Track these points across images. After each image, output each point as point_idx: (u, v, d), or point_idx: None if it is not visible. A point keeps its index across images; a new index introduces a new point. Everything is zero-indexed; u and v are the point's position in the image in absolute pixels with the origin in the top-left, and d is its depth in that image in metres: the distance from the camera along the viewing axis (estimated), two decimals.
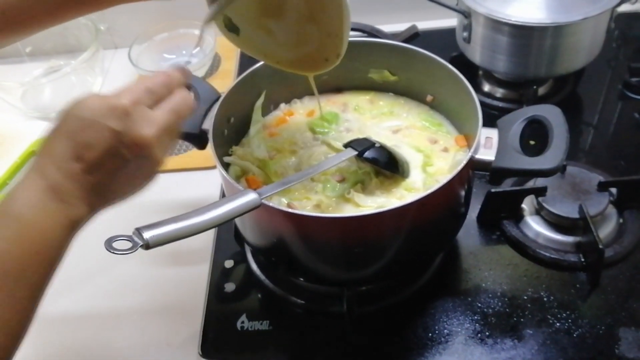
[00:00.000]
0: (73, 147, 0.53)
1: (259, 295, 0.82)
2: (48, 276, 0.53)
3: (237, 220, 0.79)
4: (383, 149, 0.74)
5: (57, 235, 0.53)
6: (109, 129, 0.52)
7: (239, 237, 0.87)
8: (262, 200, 0.61)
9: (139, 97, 0.56)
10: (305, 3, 0.71)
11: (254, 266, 0.85)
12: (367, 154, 0.72)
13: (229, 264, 0.85)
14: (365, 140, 0.74)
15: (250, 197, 0.60)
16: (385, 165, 0.73)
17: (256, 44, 0.76)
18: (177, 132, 0.60)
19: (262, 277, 0.83)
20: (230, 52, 1.27)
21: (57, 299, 0.84)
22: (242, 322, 0.78)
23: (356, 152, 0.72)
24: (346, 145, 0.74)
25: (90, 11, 0.74)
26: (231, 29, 0.74)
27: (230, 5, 0.68)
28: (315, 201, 0.73)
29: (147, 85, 0.57)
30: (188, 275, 0.86)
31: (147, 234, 0.53)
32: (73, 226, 0.54)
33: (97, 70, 1.21)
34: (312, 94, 0.89)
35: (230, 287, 0.82)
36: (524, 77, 1.04)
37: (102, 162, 0.53)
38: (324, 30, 0.71)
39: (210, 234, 0.89)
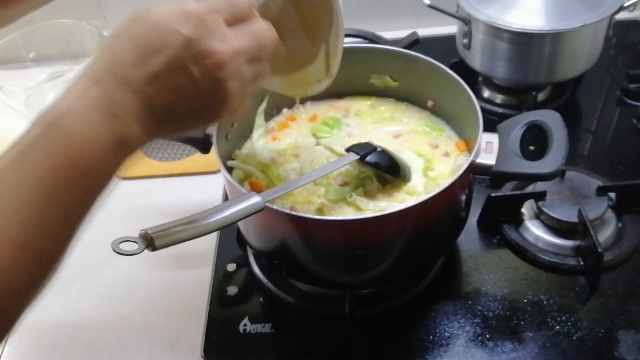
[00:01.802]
0: (135, 52, 0.46)
1: (261, 299, 0.83)
2: (86, 201, 0.46)
3: (240, 224, 0.80)
4: (385, 153, 0.75)
5: (101, 153, 0.45)
6: (180, 35, 0.45)
7: (241, 241, 0.88)
8: (266, 203, 0.62)
9: (218, 8, 0.48)
10: (298, 28, 0.70)
11: (256, 269, 0.85)
12: (369, 158, 0.73)
13: (231, 267, 0.86)
14: (367, 144, 0.75)
15: (254, 200, 0.61)
16: (387, 169, 0.74)
17: None
18: (259, 65, 0.52)
19: (264, 280, 0.84)
20: None
21: (60, 300, 0.85)
22: (245, 325, 0.79)
23: (358, 157, 0.73)
24: (348, 150, 0.75)
25: None
26: None
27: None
28: (318, 204, 0.74)
29: (231, 0, 0.50)
30: (191, 278, 0.86)
31: (154, 236, 0.54)
32: (121, 147, 0.47)
33: None
34: (314, 99, 0.90)
35: (232, 290, 0.83)
36: (524, 83, 1.05)
37: (166, 74, 0.46)
38: (320, 52, 0.70)
39: (213, 238, 0.90)
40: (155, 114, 0.47)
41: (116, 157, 0.47)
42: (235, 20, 0.50)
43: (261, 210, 0.61)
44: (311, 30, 0.71)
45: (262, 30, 0.51)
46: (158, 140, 0.51)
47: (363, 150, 0.73)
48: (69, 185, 0.44)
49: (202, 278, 0.85)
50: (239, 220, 0.60)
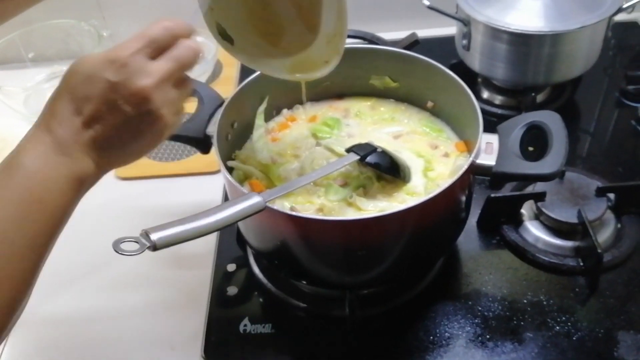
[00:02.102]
0: (73, 102, 0.53)
1: (261, 299, 0.83)
2: (51, 230, 0.52)
3: (240, 224, 0.80)
4: (385, 153, 0.75)
5: (61, 187, 0.52)
6: (106, 81, 0.52)
7: (241, 241, 0.88)
8: (266, 204, 0.62)
9: (138, 48, 0.54)
10: (298, 12, 0.70)
11: (256, 270, 0.85)
12: (369, 159, 0.73)
13: (231, 267, 0.86)
14: (367, 145, 0.75)
15: (255, 200, 0.61)
16: (387, 169, 0.74)
17: (252, 54, 0.75)
18: (184, 85, 0.58)
19: (264, 280, 0.84)
20: (231, 59, 1.26)
21: (60, 300, 0.85)
22: (245, 325, 0.79)
23: (358, 157, 0.73)
24: (348, 150, 0.75)
25: None
26: (226, 37, 0.73)
27: None
28: (318, 205, 0.74)
29: (148, 35, 0.55)
30: (191, 278, 0.86)
31: (155, 236, 0.54)
32: (79, 181, 0.54)
33: None
34: (314, 99, 0.90)
35: (232, 290, 0.83)
36: (523, 84, 1.05)
37: (101, 115, 0.53)
38: (324, 34, 0.70)
39: (213, 238, 0.90)
40: (102, 149, 0.54)
41: (74, 190, 0.54)
42: (158, 52, 0.55)
43: (262, 210, 0.61)
44: (310, 13, 0.70)
45: (182, 52, 0.56)
46: (113, 169, 0.58)
47: (363, 151, 0.73)
48: (34, 217, 0.51)
49: (202, 278, 0.85)
50: (240, 220, 0.60)
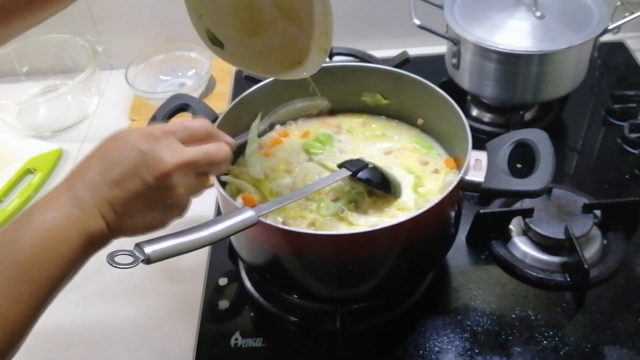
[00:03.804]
0: (102, 163, 0.57)
1: (253, 313, 0.83)
2: (56, 280, 0.54)
3: (233, 238, 0.81)
4: (376, 169, 0.76)
5: (71, 240, 0.54)
6: (136, 149, 0.57)
7: (233, 255, 0.88)
8: (259, 218, 0.62)
9: (174, 130, 0.60)
10: (283, 14, 0.73)
11: (247, 284, 0.86)
12: (360, 175, 0.74)
13: (222, 281, 0.86)
14: (359, 161, 0.77)
15: (248, 214, 0.62)
16: (378, 185, 0.76)
17: (242, 56, 0.77)
18: (205, 178, 0.63)
19: (255, 294, 0.84)
20: (225, 75, 1.29)
21: (51, 312, 0.84)
22: (236, 339, 0.79)
23: (350, 173, 0.74)
24: (340, 166, 0.76)
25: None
26: (216, 43, 0.75)
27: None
28: (310, 219, 0.75)
29: (187, 125, 0.61)
30: (182, 292, 0.87)
31: (148, 249, 0.55)
32: (90, 238, 0.56)
33: (93, 91, 1.23)
34: (306, 116, 0.91)
35: (224, 304, 0.83)
36: (511, 102, 1.07)
37: (124, 179, 0.56)
38: (310, 35, 0.71)
39: (204, 252, 0.90)
40: (116, 211, 0.57)
41: (84, 246, 0.55)
42: (190, 140, 0.61)
43: (254, 224, 0.62)
44: (296, 15, 0.73)
45: (213, 149, 0.62)
46: (123, 236, 0.60)
47: (355, 167, 0.75)
48: (41, 265, 0.53)
49: (193, 292, 0.86)
50: (233, 234, 0.61)
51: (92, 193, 0.56)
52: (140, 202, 0.57)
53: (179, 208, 0.62)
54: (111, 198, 0.56)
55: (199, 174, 0.62)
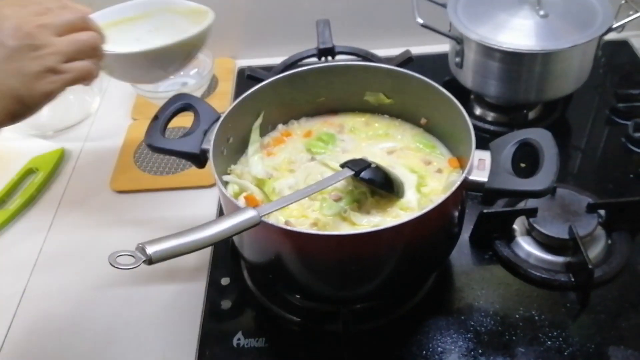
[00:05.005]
0: None
1: (255, 313, 0.83)
2: None
3: (235, 238, 0.80)
4: (379, 169, 0.76)
5: None
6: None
7: (235, 255, 0.88)
8: (262, 218, 0.62)
9: (47, 24, 0.62)
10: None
11: (250, 284, 0.86)
12: (363, 174, 0.74)
13: (225, 281, 0.86)
14: (362, 160, 0.76)
15: (250, 214, 0.61)
16: (381, 185, 0.75)
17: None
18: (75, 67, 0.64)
19: (258, 294, 0.84)
20: (227, 74, 1.29)
21: (53, 313, 0.85)
22: (238, 340, 0.79)
23: (353, 172, 0.73)
24: (343, 166, 0.76)
25: None
26: None
27: None
28: (312, 219, 0.75)
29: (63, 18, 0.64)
30: (184, 292, 0.87)
31: (150, 249, 0.55)
32: None
33: (95, 90, 1.23)
34: (309, 115, 0.91)
35: (226, 304, 0.83)
36: (515, 101, 1.06)
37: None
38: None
39: (207, 252, 0.90)
40: None
41: None
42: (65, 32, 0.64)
43: (257, 224, 0.61)
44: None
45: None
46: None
47: (357, 166, 0.74)
48: None
49: (195, 292, 0.86)
50: (235, 234, 0.61)
51: None
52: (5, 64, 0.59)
53: (51, 71, 0.62)
54: None
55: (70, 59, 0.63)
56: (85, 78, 0.66)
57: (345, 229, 0.73)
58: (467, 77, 1.07)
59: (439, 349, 0.76)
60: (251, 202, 0.77)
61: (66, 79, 0.63)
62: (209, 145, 0.75)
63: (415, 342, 0.77)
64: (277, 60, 1.18)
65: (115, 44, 0.75)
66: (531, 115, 1.10)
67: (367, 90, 0.89)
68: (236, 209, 0.62)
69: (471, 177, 0.70)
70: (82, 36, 0.65)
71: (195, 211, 0.99)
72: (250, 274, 0.87)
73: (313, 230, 0.72)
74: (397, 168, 0.81)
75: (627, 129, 1.04)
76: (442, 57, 1.16)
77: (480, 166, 0.72)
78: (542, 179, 0.69)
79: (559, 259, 0.84)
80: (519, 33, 0.99)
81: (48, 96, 0.63)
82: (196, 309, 0.83)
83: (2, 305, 0.87)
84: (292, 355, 0.78)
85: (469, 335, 0.77)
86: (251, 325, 0.81)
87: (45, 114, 1.20)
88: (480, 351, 0.76)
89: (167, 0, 0.93)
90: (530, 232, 0.86)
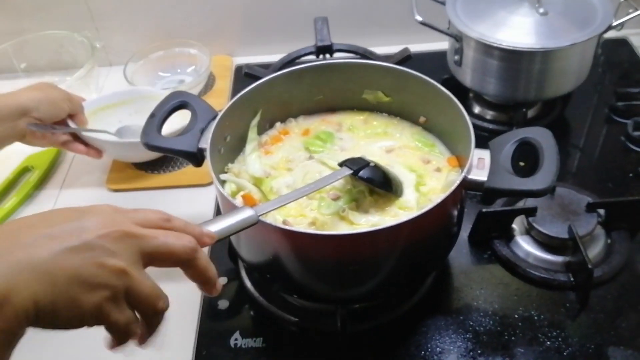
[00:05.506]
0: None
1: (252, 313, 0.82)
2: None
3: (232, 237, 0.80)
4: (377, 168, 0.75)
5: None
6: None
7: (232, 254, 0.87)
8: (259, 217, 0.61)
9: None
10: None
11: (247, 283, 0.85)
12: (361, 173, 0.73)
13: (222, 281, 0.85)
14: (360, 159, 0.76)
15: (248, 213, 0.61)
16: (380, 184, 0.75)
17: None
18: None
19: (255, 294, 0.83)
20: (224, 72, 1.28)
21: None
22: (236, 340, 0.78)
23: (351, 171, 0.73)
24: (341, 164, 0.75)
25: None
26: None
27: None
28: (311, 219, 0.74)
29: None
30: (181, 292, 0.85)
31: None
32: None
33: (92, 87, 1.22)
34: (307, 113, 0.90)
35: (223, 304, 0.83)
36: (514, 99, 1.06)
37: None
38: None
39: (204, 251, 0.89)
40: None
41: None
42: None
43: (254, 224, 0.61)
44: None
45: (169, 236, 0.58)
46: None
47: (356, 165, 0.74)
48: None
49: (192, 292, 0.84)
50: (233, 234, 0.60)
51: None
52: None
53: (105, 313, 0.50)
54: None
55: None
56: (128, 334, 0.54)
57: (343, 228, 0.72)
58: (466, 75, 1.06)
59: (438, 349, 0.76)
60: (249, 201, 0.76)
61: (115, 320, 0.52)
62: (206, 143, 0.75)
63: (414, 342, 0.77)
64: (274, 57, 1.17)
65: (102, 125, 0.98)
66: (530, 113, 1.09)
67: (366, 88, 0.89)
68: (233, 208, 0.62)
69: (470, 177, 0.70)
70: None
71: (192, 210, 0.98)
72: (248, 273, 0.86)
73: (311, 230, 0.71)
74: (396, 167, 0.81)
75: (627, 127, 1.04)
76: (441, 55, 1.15)
77: (480, 165, 0.71)
78: (542, 179, 0.69)
79: (559, 259, 0.83)
80: (518, 31, 0.99)
81: (88, 314, 0.50)
82: (193, 309, 0.82)
83: None
84: (290, 355, 0.78)
85: (467, 335, 0.77)
86: (249, 325, 0.80)
87: None
88: (479, 351, 0.75)
89: (145, 90, 1.11)
90: (529, 231, 0.86)
